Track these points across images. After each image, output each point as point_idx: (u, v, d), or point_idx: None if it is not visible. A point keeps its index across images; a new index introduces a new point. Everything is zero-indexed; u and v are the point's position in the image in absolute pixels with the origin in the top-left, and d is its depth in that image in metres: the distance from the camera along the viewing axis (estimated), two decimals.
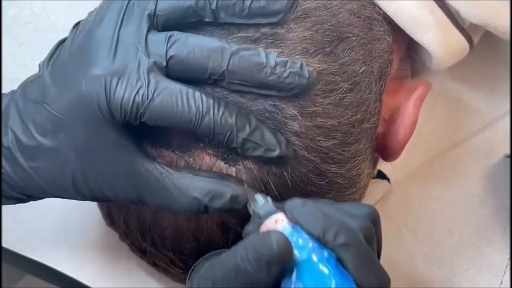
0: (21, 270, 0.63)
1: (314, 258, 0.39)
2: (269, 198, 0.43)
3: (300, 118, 0.44)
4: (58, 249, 0.58)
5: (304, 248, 0.40)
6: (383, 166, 0.59)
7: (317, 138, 0.45)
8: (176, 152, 0.44)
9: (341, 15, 0.47)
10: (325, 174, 0.46)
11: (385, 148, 0.52)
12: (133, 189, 0.43)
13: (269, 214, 0.42)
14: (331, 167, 0.46)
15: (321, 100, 0.45)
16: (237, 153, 0.44)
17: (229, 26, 0.44)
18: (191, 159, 0.44)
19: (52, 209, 0.59)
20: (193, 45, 0.42)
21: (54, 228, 0.59)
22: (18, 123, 0.44)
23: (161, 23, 0.43)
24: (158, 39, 0.42)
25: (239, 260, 0.39)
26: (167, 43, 0.42)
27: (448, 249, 0.60)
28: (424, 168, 0.62)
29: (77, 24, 0.45)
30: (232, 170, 0.44)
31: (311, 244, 0.40)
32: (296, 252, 0.40)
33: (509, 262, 0.59)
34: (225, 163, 0.44)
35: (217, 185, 0.42)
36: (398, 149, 0.52)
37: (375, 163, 0.55)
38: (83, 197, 0.45)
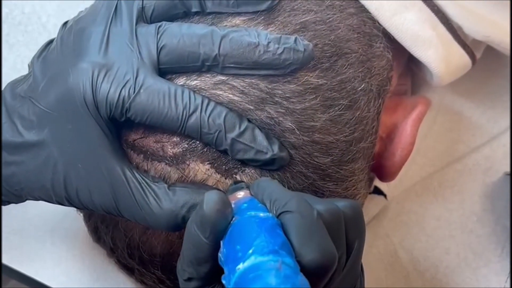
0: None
1: (249, 219, 0.37)
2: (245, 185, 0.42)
3: (298, 132, 0.43)
4: (44, 262, 0.57)
5: (244, 211, 0.38)
6: (380, 181, 0.58)
7: (315, 153, 0.44)
8: (170, 164, 0.43)
9: (340, 30, 0.46)
10: (321, 192, 0.45)
11: (381, 168, 0.51)
12: (109, 196, 0.42)
13: (235, 190, 0.41)
14: (329, 185, 0.45)
15: (320, 116, 0.44)
16: (233, 165, 0.42)
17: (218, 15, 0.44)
18: (186, 172, 0.43)
19: (39, 222, 0.58)
20: (182, 33, 0.41)
21: (41, 241, 0.58)
22: (5, 119, 0.43)
23: (149, 16, 0.43)
24: (148, 31, 0.42)
25: (189, 224, 0.38)
26: (157, 34, 0.41)
27: (444, 269, 0.59)
28: (422, 184, 0.60)
29: (65, 23, 0.45)
30: (228, 183, 0.43)
31: (254, 212, 0.38)
32: (237, 217, 0.38)
33: (509, 280, 0.58)
34: (221, 175, 0.43)
35: (194, 195, 0.41)
36: (395, 170, 0.51)
37: (371, 181, 0.54)
38: (58, 199, 0.43)
